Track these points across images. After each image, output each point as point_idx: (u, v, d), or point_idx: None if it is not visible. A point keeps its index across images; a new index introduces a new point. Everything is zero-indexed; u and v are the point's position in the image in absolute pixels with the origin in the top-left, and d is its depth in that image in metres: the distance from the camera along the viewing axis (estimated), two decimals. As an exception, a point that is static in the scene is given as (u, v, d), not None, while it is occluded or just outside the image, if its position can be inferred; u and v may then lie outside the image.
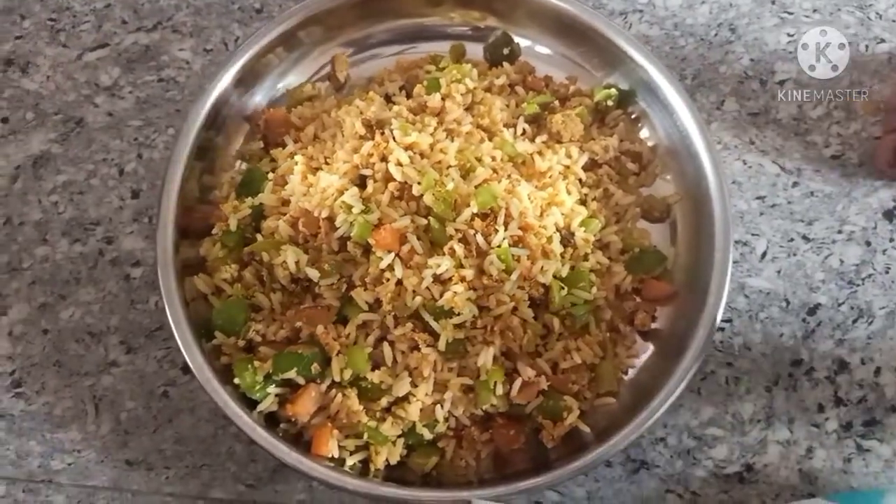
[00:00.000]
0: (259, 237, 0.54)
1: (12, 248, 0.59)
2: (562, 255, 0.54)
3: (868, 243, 0.60)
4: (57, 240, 0.59)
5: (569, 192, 0.55)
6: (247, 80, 0.59)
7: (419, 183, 0.51)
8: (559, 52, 0.62)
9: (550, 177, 0.56)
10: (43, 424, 0.55)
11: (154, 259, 0.54)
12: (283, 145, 0.59)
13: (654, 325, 0.56)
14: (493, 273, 0.51)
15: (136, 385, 0.56)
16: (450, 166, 0.53)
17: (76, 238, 0.59)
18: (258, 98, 0.60)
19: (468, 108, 0.58)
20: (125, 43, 0.64)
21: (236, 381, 0.51)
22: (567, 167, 0.57)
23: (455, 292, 0.51)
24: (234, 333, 0.53)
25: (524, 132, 0.58)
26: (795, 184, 0.62)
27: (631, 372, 0.56)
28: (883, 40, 0.64)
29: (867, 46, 0.63)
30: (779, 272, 0.60)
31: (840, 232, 0.61)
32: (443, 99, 0.57)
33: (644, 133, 0.60)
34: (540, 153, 0.56)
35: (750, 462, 0.56)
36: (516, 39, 0.62)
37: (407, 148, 0.53)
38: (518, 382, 0.52)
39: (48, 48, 0.63)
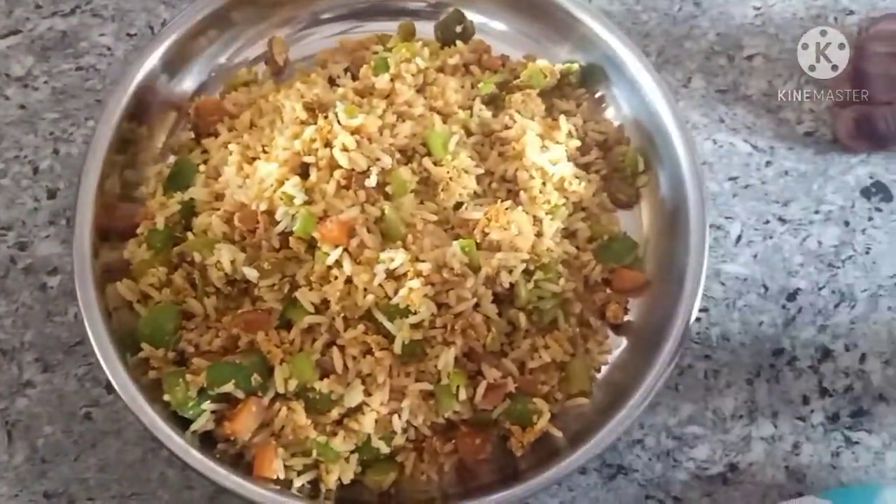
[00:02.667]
0: (190, 236, 0.49)
1: (-90, 258, 0.52)
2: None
3: (846, 223, 0.57)
4: (-38, 247, 0.53)
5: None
6: (174, 64, 0.54)
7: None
8: (516, 28, 0.57)
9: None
10: (-53, 456, 0.49)
11: (73, 265, 0.48)
12: (216, 134, 0.54)
13: (626, 318, 0.53)
14: (454, 266, 0.47)
15: (54, 407, 0.50)
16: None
17: (-16, 245, 0.53)
18: (187, 84, 0.55)
19: (420, 90, 0.54)
20: (39, 29, 0.58)
21: (166, 397, 0.46)
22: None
23: (411, 288, 0.46)
24: (164, 344, 0.47)
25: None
26: (769, 163, 0.59)
27: (604, 369, 0.52)
28: (852, 12, 0.61)
29: (836, 19, 0.61)
30: (755, 256, 0.57)
31: (817, 212, 0.57)
32: (392, 80, 0.53)
33: (609, 113, 0.57)
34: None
35: (734, 461, 0.52)
36: (469, 16, 0.57)
37: (353, 132, 0.48)
38: (482, 386, 0.48)
39: (-49, 36, 0.57)
